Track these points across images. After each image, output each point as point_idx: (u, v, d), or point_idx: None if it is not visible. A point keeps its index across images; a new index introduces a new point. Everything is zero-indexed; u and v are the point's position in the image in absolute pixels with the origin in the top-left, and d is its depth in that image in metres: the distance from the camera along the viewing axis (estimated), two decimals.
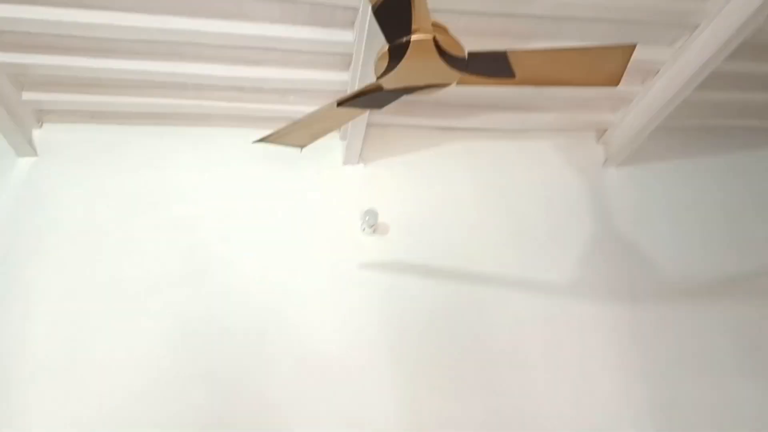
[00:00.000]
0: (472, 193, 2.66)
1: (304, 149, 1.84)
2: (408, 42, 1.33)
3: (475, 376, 2.34)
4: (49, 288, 2.17)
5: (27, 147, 2.31)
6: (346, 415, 2.19)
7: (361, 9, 1.95)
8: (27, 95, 2.27)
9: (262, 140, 1.70)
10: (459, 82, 1.47)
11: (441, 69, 1.42)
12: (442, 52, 1.37)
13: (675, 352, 2.48)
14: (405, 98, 1.53)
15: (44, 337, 2.10)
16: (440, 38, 1.35)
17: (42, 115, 2.41)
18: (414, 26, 1.31)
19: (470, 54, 1.42)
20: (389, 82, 1.45)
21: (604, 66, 1.43)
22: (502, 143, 2.77)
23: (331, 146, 2.61)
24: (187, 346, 2.18)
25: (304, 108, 1.90)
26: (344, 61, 2.27)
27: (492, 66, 1.44)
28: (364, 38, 1.95)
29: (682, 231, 2.73)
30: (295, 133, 1.67)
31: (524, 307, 2.49)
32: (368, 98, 1.50)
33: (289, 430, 2.12)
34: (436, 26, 1.37)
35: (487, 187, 2.68)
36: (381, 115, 2.53)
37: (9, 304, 2.12)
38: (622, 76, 1.43)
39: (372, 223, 2.45)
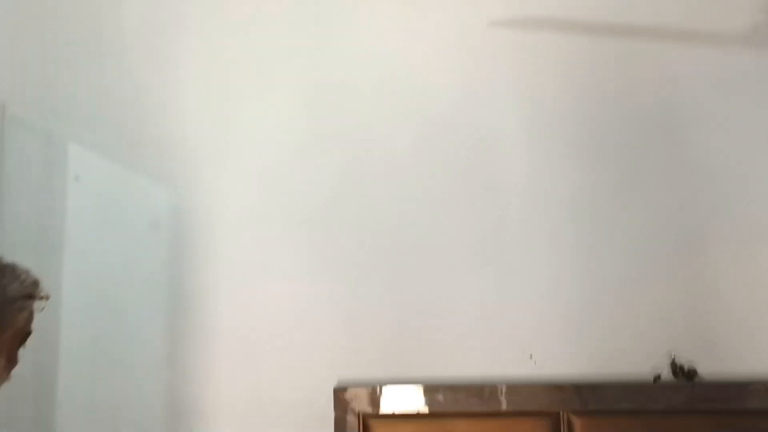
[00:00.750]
0: None
1: None
2: None
3: (619, 139, 2.17)
4: (195, 58, 2.35)
5: None
6: (476, 179, 2.20)
7: None
8: None
9: None
10: None
11: None
12: None
13: None
14: None
15: (197, 104, 2.32)
16: None
17: None
18: None
19: None
20: None
21: None
22: None
23: None
24: (320, 108, 2.28)
25: None
26: None
27: None
28: None
29: None
30: None
31: (687, 60, 2.16)
32: None
33: (417, 188, 2.22)
34: None
35: None
36: None
37: (164, 73, 2.35)
38: None
39: None
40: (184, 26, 2.37)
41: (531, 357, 2.09)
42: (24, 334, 1.30)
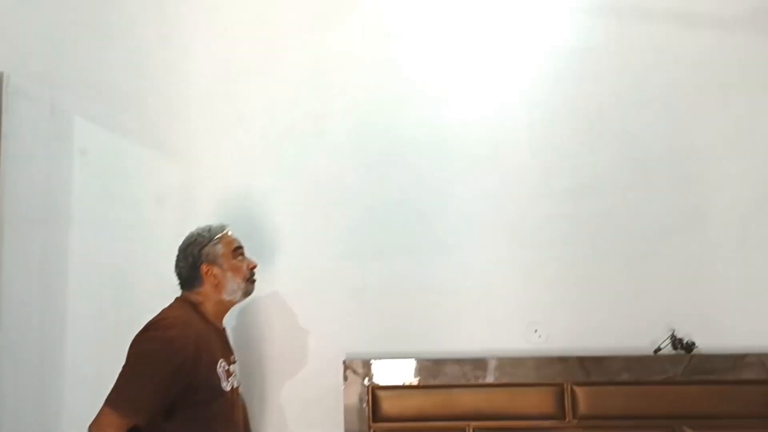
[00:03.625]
0: None
1: None
2: None
3: (622, 120, 2.22)
4: (202, 29, 2.32)
5: None
6: (479, 155, 2.23)
7: None
8: None
9: None
10: None
11: None
12: None
13: None
14: None
15: (203, 73, 2.31)
16: None
17: None
18: None
19: None
20: None
21: None
22: None
23: None
24: (327, 84, 2.29)
25: None
26: None
27: None
28: None
29: None
30: None
31: (683, 45, 2.22)
32: None
33: (423, 163, 2.24)
34: None
35: None
36: None
37: (170, 46, 2.32)
38: None
39: None
40: (192, 0, 2.35)
41: (536, 331, 2.14)
42: (236, 248, 1.84)
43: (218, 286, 1.78)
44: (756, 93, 2.21)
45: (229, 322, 2.02)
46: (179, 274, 1.82)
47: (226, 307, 1.84)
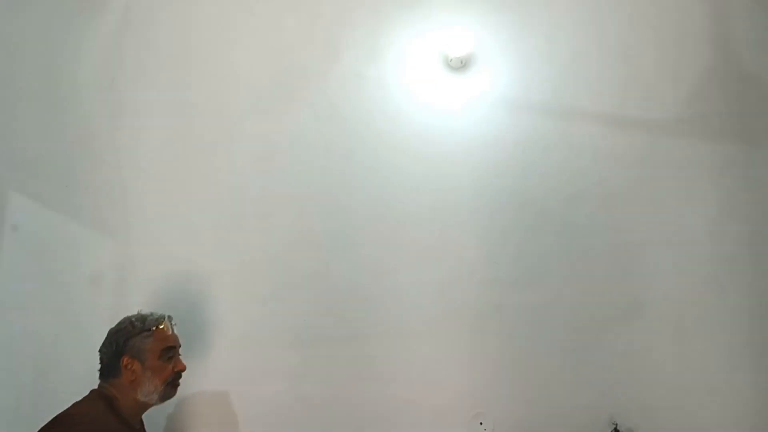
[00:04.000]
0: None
1: None
2: None
3: (560, 214, 2.28)
4: (154, 109, 2.32)
5: None
6: (427, 241, 2.24)
7: None
8: None
9: None
10: None
11: None
12: None
13: None
14: None
15: (152, 152, 2.28)
16: None
17: None
18: None
19: None
20: None
21: None
22: None
23: None
24: (278, 166, 2.29)
25: None
26: None
27: None
28: None
29: None
30: None
31: (617, 145, 2.34)
32: None
33: (372, 249, 2.23)
34: None
35: (587, 12, 2.43)
36: None
37: (120, 124, 2.30)
38: None
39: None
40: (142, 78, 2.35)
41: (481, 424, 2.10)
42: (167, 347, 1.70)
43: (134, 383, 1.64)
44: (685, 191, 2.32)
45: (159, 414, 1.91)
46: (101, 359, 1.68)
47: (142, 407, 1.68)
